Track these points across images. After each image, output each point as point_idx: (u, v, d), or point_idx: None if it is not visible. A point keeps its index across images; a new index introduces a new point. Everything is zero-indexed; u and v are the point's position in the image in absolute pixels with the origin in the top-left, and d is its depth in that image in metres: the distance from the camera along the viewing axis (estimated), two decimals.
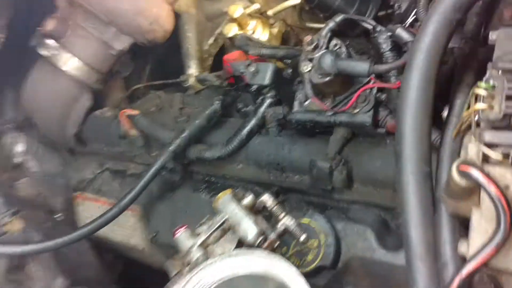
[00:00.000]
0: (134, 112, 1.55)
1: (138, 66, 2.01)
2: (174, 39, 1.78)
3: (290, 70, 1.36)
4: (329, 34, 1.12)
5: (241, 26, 1.71)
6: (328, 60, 1.04)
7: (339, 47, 1.11)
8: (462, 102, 0.86)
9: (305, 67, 1.12)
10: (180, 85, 1.85)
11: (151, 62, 2.04)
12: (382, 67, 1.03)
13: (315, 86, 1.12)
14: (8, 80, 1.78)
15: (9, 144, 1.76)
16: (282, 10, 1.68)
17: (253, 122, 1.32)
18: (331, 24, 1.14)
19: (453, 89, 0.90)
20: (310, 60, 1.11)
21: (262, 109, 1.32)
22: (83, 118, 1.70)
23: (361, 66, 1.02)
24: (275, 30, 1.78)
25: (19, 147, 1.78)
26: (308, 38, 1.10)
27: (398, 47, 1.10)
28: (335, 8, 1.37)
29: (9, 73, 1.76)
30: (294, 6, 1.67)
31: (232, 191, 1.01)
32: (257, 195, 1.10)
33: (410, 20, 1.33)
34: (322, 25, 1.77)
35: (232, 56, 1.54)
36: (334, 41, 1.11)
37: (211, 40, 1.84)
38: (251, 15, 1.72)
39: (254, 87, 1.29)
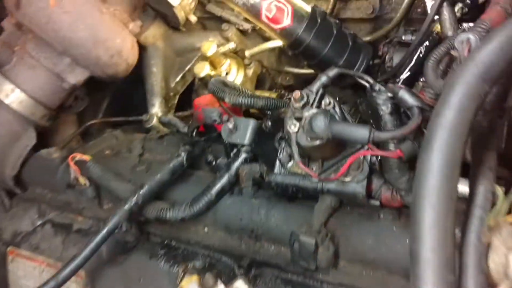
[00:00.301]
0: (85, 157, 1.34)
1: (94, 100, 1.81)
2: (137, 71, 1.60)
3: (269, 123, 1.20)
4: (321, 91, 0.97)
5: (213, 65, 1.54)
6: (321, 123, 0.89)
7: (333, 106, 0.96)
8: (487, 190, 0.71)
9: (292, 126, 0.95)
10: (141, 123, 1.66)
11: (109, 96, 1.85)
12: (383, 135, 0.88)
13: (302, 149, 0.96)
14: None
15: None
16: (261, 52, 1.53)
17: (224, 179, 1.14)
18: (323, 78, 0.99)
19: (472, 171, 0.76)
20: (298, 119, 0.95)
21: (236, 164, 1.14)
22: (25, 158, 1.47)
23: (360, 132, 0.87)
24: (250, 72, 1.62)
25: None
26: (297, 94, 0.95)
27: (397, 109, 0.97)
28: (323, 57, 1.23)
29: None
30: (273, 49, 1.53)
31: (199, 279, 0.82)
32: (228, 275, 0.91)
33: (404, 76, 1.21)
34: (301, 71, 1.66)
35: (204, 100, 1.37)
36: (326, 99, 0.96)
37: (178, 77, 1.66)
38: (225, 54, 1.57)
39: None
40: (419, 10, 1.41)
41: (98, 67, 1.39)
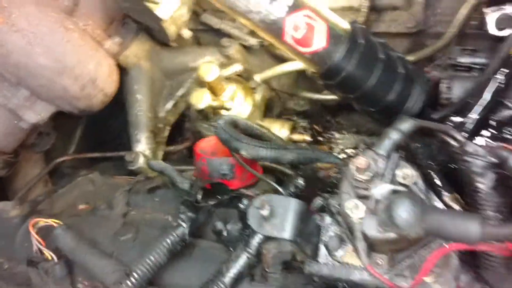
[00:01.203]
0: (52, 222, 1.01)
1: (64, 131, 1.47)
2: (116, 96, 1.27)
3: (301, 181, 0.90)
4: (396, 158, 0.66)
5: (214, 91, 1.22)
6: (407, 214, 0.58)
7: (414, 181, 0.65)
8: None
9: (354, 209, 0.65)
10: (121, 159, 1.33)
11: (82, 125, 1.51)
12: (501, 231, 0.58)
13: (368, 239, 0.66)
14: None
15: None
16: (277, 76, 1.21)
17: (242, 260, 0.83)
18: (395, 136, 0.67)
19: None
20: (363, 197, 0.65)
21: (257, 239, 0.83)
22: None
23: (468, 228, 0.56)
24: (257, 97, 1.31)
25: None
26: (361, 162, 0.64)
27: (503, 181, 0.67)
28: (367, 90, 0.92)
29: None
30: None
31: None
32: None
33: (476, 115, 0.91)
34: (322, 96, 1.35)
35: (208, 147, 1.04)
36: (404, 169, 0.65)
37: (169, 105, 1.33)
38: (228, 78, 1.25)
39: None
40: (474, 23, 1.12)
41: (65, 101, 1.05)
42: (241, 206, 0.90)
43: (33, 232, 0.97)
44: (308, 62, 0.96)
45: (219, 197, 0.94)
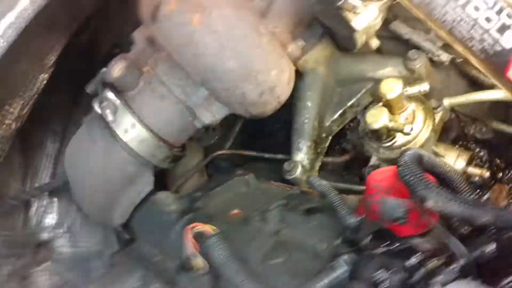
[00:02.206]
0: (208, 228, 0.98)
1: (224, 125, 1.46)
2: None
3: (492, 247, 0.76)
4: None
5: (391, 109, 1.11)
6: None
7: None
8: None
9: None
10: (279, 162, 1.29)
11: (241, 120, 1.49)
12: None
13: None
14: (49, 127, 1.28)
15: (37, 215, 1.26)
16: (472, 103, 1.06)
17: None
18: None
19: None
20: None
21: None
22: (137, 205, 1.16)
23: None
24: (436, 118, 1.16)
25: (49, 219, 1.28)
26: None
27: None
28: None
29: (52, 119, 1.27)
30: None
31: None
32: None
33: None
34: None
35: (384, 181, 0.92)
36: None
37: (336, 115, 1.24)
38: (410, 97, 1.12)
39: None
40: None
41: (241, 106, 1.01)
42: (412, 261, 0.79)
43: (188, 237, 0.96)
44: None
45: (385, 244, 0.84)
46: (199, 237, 0.97)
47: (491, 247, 0.76)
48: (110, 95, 1.03)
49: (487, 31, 0.74)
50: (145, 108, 1.05)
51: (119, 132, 1.04)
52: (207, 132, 1.23)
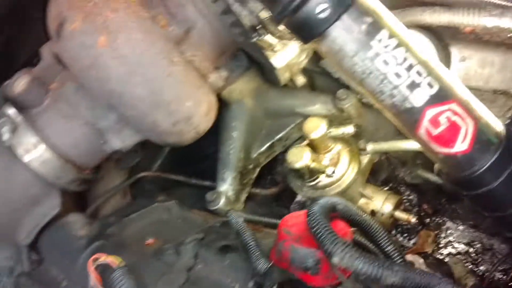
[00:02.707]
0: (113, 260, 0.91)
1: (152, 147, 1.39)
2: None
3: None
4: None
5: (315, 149, 1.06)
6: None
7: None
8: None
9: None
10: (206, 189, 1.22)
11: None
12: None
13: None
14: None
15: None
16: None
17: None
18: None
19: None
20: None
21: None
22: (45, 225, 1.08)
23: None
24: (363, 160, 1.12)
25: None
26: None
27: None
28: None
29: None
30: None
31: None
32: None
33: None
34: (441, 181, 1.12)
35: (295, 227, 0.87)
36: None
37: (264, 147, 1.19)
38: (335, 138, 1.07)
39: None
40: None
41: (154, 134, 0.95)
42: None
43: (92, 269, 0.88)
44: (440, 162, 0.76)
45: None
46: (104, 270, 0.91)
47: None
48: (11, 111, 0.94)
49: (396, 87, 0.69)
50: (50, 128, 0.97)
51: (20, 151, 0.96)
52: (128, 153, 1.15)
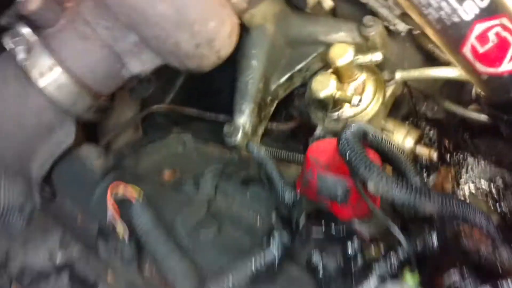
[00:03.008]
0: (132, 192, 0.88)
1: (164, 78, 1.34)
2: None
3: (435, 240, 0.69)
4: None
5: (340, 77, 1.02)
6: None
7: None
8: None
9: None
10: (221, 124, 1.18)
11: (185, 75, 1.37)
12: None
13: None
14: None
15: None
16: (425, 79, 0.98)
17: None
18: None
19: None
20: None
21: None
22: (59, 158, 1.04)
23: None
24: (388, 92, 1.08)
25: None
26: None
27: None
28: None
29: None
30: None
31: None
32: None
33: None
34: (466, 112, 1.09)
35: (323, 155, 0.84)
36: None
37: (283, 78, 1.14)
38: (361, 66, 1.03)
39: None
40: None
41: (175, 57, 0.90)
42: (349, 250, 0.73)
43: (111, 200, 0.86)
44: (481, 84, 0.72)
45: (324, 227, 0.77)
46: (122, 202, 0.88)
47: (435, 240, 0.70)
48: (25, 30, 0.89)
49: None
50: (66, 49, 0.91)
51: (34, 74, 0.91)
52: (141, 83, 1.11)
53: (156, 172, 1.06)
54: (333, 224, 0.77)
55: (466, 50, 0.68)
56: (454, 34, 0.68)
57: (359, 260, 0.73)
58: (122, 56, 0.92)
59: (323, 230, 0.75)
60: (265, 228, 0.85)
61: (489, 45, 0.67)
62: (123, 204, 0.86)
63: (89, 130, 1.25)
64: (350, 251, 0.71)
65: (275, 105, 1.18)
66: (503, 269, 0.62)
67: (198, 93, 1.41)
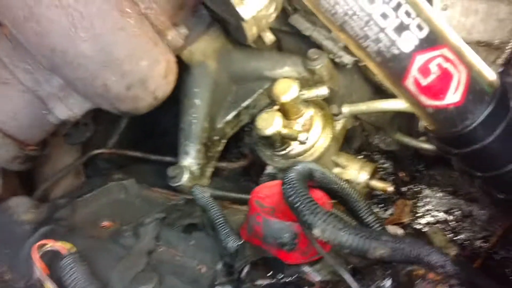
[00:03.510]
0: (62, 246, 0.79)
1: (106, 120, 1.26)
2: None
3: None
4: None
5: (286, 114, 0.97)
6: None
7: None
8: None
9: None
10: (167, 164, 1.11)
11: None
12: None
13: None
14: None
15: None
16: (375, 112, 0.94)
17: None
18: None
19: None
20: None
21: None
22: None
23: None
24: (337, 127, 1.04)
25: None
26: None
27: None
28: (507, 172, 0.64)
29: None
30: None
31: None
32: None
33: None
34: (418, 144, 1.05)
35: (268, 198, 0.78)
36: None
37: (230, 116, 1.08)
38: (308, 102, 0.98)
39: None
40: None
41: (104, 100, 0.83)
42: None
43: (36, 258, 0.76)
44: (427, 118, 0.68)
45: (270, 275, 0.70)
46: (53, 258, 0.79)
47: (389, 285, 0.63)
48: None
49: (382, 29, 0.60)
50: None
51: None
52: (77, 127, 1.02)
53: (93, 223, 0.97)
54: (280, 272, 0.69)
55: (409, 83, 0.64)
56: (395, 66, 0.63)
57: None
58: (47, 101, 0.85)
59: (270, 279, 0.67)
60: (210, 278, 0.77)
61: (432, 77, 0.63)
62: (54, 261, 0.77)
63: (25, 177, 1.16)
64: None
65: (223, 143, 1.11)
66: None
67: (143, 135, 1.33)
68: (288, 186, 0.68)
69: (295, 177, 0.69)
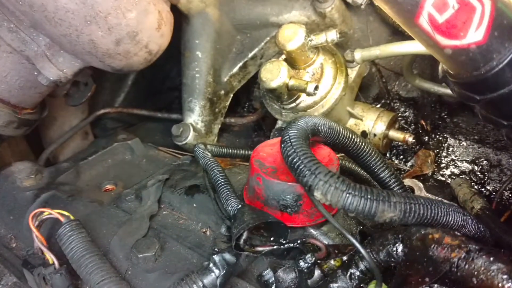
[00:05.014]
0: (59, 214, 0.75)
1: (111, 79, 1.20)
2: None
3: (400, 249, 0.57)
4: None
5: (294, 63, 0.88)
6: None
7: None
8: None
9: None
10: (175, 122, 1.05)
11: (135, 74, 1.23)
12: None
13: None
14: None
15: None
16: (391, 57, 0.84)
17: None
18: None
19: None
20: None
21: None
22: None
23: None
24: (352, 74, 0.95)
25: None
26: None
27: None
28: None
29: None
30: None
31: None
32: None
33: None
34: (441, 89, 0.95)
35: (269, 157, 0.71)
36: None
37: (236, 68, 1.01)
38: (317, 47, 0.89)
39: None
40: None
41: (94, 57, 0.76)
42: (302, 264, 0.60)
43: (33, 227, 0.73)
44: (446, 60, 0.59)
45: (273, 241, 0.64)
46: (53, 225, 0.75)
47: (400, 250, 0.57)
48: None
49: None
50: None
51: None
52: (77, 87, 0.97)
53: (97, 187, 0.93)
54: (283, 238, 0.64)
55: (423, 20, 0.55)
56: (406, 1, 0.54)
57: (316, 273, 0.61)
58: (35, 61, 0.78)
59: (273, 243, 0.62)
60: (213, 244, 0.73)
61: (450, 12, 0.53)
62: (56, 228, 0.74)
63: (32, 141, 1.13)
64: (303, 265, 0.58)
65: (230, 98, 1.04)
66: (477, 279, 0.50)
67: (150, 93, 1.27)
68: (285, 145, 0.60)
69: (295, 133, 0.62)
